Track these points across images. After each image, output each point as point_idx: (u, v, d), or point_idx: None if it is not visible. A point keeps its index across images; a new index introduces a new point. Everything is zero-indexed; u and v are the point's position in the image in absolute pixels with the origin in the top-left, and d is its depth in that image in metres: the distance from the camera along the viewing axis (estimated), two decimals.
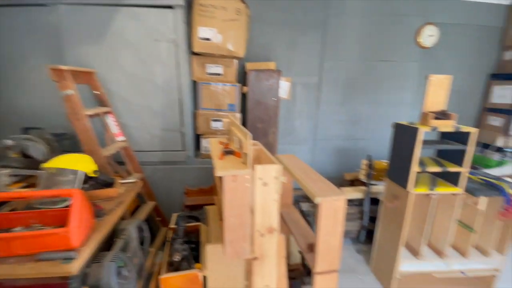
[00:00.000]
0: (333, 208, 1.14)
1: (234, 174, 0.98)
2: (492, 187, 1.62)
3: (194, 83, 2.23)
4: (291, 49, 2.67)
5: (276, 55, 2.67)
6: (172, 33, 2.01)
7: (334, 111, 2.92)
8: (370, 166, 2.23)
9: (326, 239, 1.18)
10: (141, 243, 1.41)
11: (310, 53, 2.71)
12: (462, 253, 1.77)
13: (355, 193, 2.33)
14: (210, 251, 1.21)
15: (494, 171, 2.62)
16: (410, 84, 2.85)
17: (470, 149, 1.53)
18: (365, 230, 2.28)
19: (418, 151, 1.52)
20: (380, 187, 2.16)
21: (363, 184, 2.34)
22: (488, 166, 2.87)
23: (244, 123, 2.43)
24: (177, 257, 1.26)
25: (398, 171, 1.71)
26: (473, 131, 1.50)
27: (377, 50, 2.75)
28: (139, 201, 2.05)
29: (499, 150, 2.82)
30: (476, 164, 3.07)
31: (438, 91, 1.63)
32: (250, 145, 1.01)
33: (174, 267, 1.31)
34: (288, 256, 1.90)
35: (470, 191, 1.58)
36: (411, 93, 2.87)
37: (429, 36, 2.70)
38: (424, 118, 1.61)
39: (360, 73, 2.81)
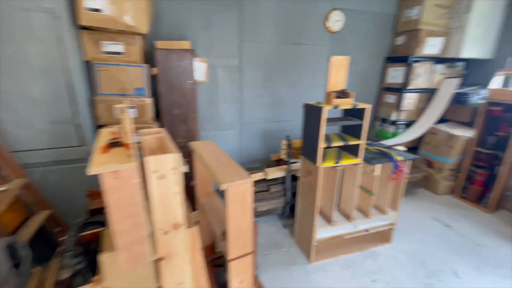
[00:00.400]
0: (240, 192, 1.11)
1: (115, 170, 0.83)
2: (384, 155, 1.87)
3: (88, 64, 1.87)
4: (208, 29, 2.50)
5: (193, 35, 2.47)
6: (47, 1, 1.60)
7: (258, 94, 2.92)
8: (289, 146, 2.33)
9: (236, 224, 1.15)
10: (18, 265, 1.13)
11: (228, 34, 2.60)
12: (365, 214, 2.03)
13: (278, 172, 2.41)
14: (107, 260, 1.04)
15: (390, 141, 3.09)
16: (323, 66, 3.05)
17: (365, 124, 1.71)
18: (288, 206, 2.40)
19: (323, 129, 1.62)
20: (298, 164, 2.28)
21: (286, 163, 2.44)
22: (386, 137, 3.37)
23: (158, 109, 2.20)
24: (65, 275, 1.05)
25: (309, 148, 1.81)
26: (367, 107, 1.67)
27: (292, 33, 2.82)
28: (27, 212, 1.67)
29: (393, 123, 3.33)
30: (378, 137, 3.56)
31: (338, 71, 1.74)
32: (131, 133, 0.86)
33: (64, 285, 1.09)
34: (214, 244, 1.86)
35: (368, 160, 1.79)
36: (323, 75, 3.08)
37: (336, 21, 2.90)
38: (328, 97, 1.71)
39: (278, 55, 2.85)
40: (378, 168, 1.86)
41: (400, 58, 3.22)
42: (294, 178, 2.34)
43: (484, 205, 2.75)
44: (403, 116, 3.32)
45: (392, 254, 2.07)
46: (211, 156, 1.39)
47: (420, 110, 3.35)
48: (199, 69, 2.49)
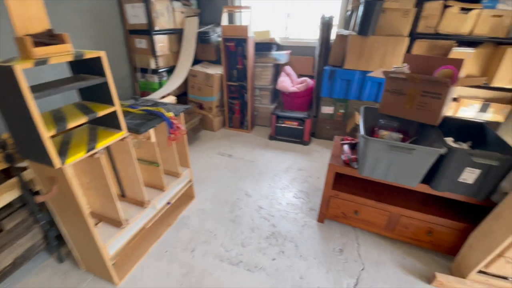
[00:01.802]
0: None
1: None
2: (154, 115, 1.51)
3: None
4: None
5: None
6: None
7: None
8: (3, 146, 1.33)
9: None
10: None
11: None
12: (160, 188, 1.71)
13: (7, 194, 1.38)
14: None
15: (157, 94, 2.77)
16: None
17: (110, 80, 1.18)
18: (53, 231, 1.55)
19: (32, 105, 0.91)
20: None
21: (9, 174, 1.43)
22: (154, 89, 3.03)
23: None
24: None
25: (27, 144, 1.04)
26: (101, 55, 1.12)
27: None
28: None
29: (155, 72, 3.00)
30: (145, 90, 3.14)
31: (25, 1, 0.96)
32: None
33: None
34: None
35: (135, 129, 1.35)
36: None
37: None
38: (22, 47, 0.94)
39: None
40: (152, 134, 1.49)
41: None
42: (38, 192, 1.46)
43: (246, 128, 3.40)
44: (162, 63, 3.05)
45: (199, 209, 2.02)
46: None
47: (176, 53, 3.22)
48: None
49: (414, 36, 2.48)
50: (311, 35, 3.42)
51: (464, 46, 2.37)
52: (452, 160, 1.29)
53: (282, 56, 3.17)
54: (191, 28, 3.14)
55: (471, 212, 1.52)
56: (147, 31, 2.83)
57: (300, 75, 3.39)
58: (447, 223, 1.51)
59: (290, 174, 2.49)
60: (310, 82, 3.16)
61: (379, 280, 1.50)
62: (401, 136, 1.66)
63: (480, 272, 1.37)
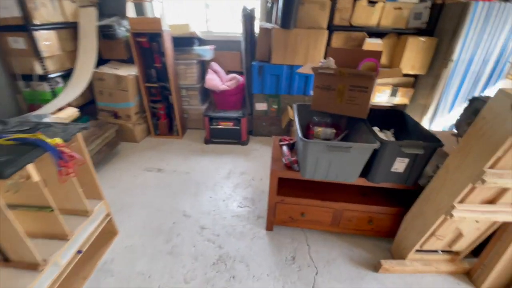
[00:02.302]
0: None
1: None
2: (30, 146, 1.08)
3: None
4: None
5: None
6: None
7: None
8: None
9: None
10: None
11: None
12: (62, 236, 1.29)
13: None
14: None
15: (49, 107, 2.18)
16: None
17: None
18: None
19: None
20: None
21: None
22: (47, 100, 2.37)
23: None
24: None
25: None
26: None
27: None
28: None
29: (45, 78, 2.34)
30: (34, 103, 2.44)
31: None
32: None
33: None
34: None
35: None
36: None
37: None
38: None
39: None
40: (33, 171, 1.07)
41: None
42: None
43: (176, 134, 3.03)
44: (52, 66, 2.40)
45: (125, 247, 1.65)
46: None
47: (72, 53, 2.59)
48: None
49: (332, 28, 2.55)
50: (235, 28, 3.24)
51: (373, 37, 2.56)
52: (384, 153, 1.31)
53: (206, 52, 2.90)
54: (89, 21, 2.56)
55: (403, 197, 1.63)
56: (23, 27, 2.16)
57: (228, 72, 3.19)
58: (384, 210, 1.57)
59: (232, 180, 2.30)
60: (240, 78, 2.99)
61: (332, 281, 1.47)
62: (334, 131, 1.65)
63: (417, 251, 1.47)
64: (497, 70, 2.45)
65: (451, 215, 1.17)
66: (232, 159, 2.63)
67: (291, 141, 1.74)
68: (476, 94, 2.61)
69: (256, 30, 2.77)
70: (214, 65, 3.01)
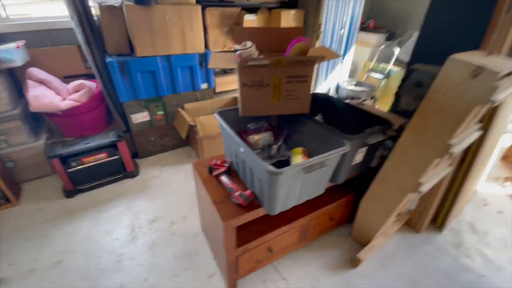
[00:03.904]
0: None
1: None
2: None
3: None
4: None
5: None
6: None
7: None
8: None
9: None
10: None
11: None
12: None
13: None
14: None
15: None
16: None
17: None
18: None
19: None
20: None
21: None
22: None
23: None
24: None
25: None
26: None
27: None
28: None
29: None
30: None
31: None
32: None
33: None
34: None
35: None
36: None
37: None
38: None
39: None
40: None
41: None
42: None
43: (4, 200, 1.75)
44: None
45: None
46: None
47: None
48: None
49: (202, 3, 2.05)
50: (55, 10, 2.09)
51: (247, 12, 2.29)
52: (350, 151, 1.11)
53: (11, 53, 1.70)
54: None
55: (351, 182, 1.55)
56: None
57: (64, 78, 2.08)
58: (340, 202, 1.46)
59: (142, 240, 1.56)
60: (91, 85, 2.01)
61: None
62: (272, 136, 1.31)
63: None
64: (351, 33, 2.81)
65: (420, 192, 1.15)
66: (127, 205, 1.81)
67: (226, 164, 1.25)
68: (340, 59, 2.95)
69: (94, 10, 1.85)
70: (36, 72, 1.85)
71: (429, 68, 1.17)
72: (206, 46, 2.20)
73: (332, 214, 1.47)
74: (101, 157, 1.88)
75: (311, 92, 1.19)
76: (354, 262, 1.44)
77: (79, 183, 1.87)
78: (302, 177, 0.98)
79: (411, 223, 1.68)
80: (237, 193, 1.08)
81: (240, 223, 1.05)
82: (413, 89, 1.24)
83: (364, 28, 3.27)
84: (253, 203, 1.07)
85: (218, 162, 1.27)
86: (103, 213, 1.74)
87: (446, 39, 1.27)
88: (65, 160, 1.76)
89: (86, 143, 1.83)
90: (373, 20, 3.33)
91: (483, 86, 0.87)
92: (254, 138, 1.27)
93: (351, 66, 3.23)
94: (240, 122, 1.27)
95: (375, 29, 3.28)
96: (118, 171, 2.00)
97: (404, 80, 1.30)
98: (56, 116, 1.90)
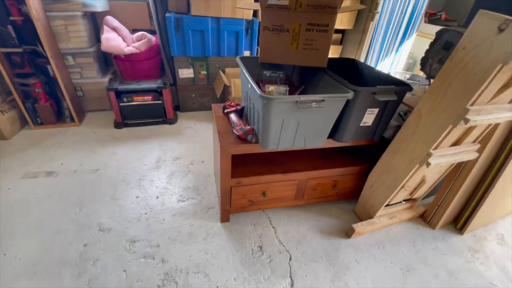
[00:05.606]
0: None
1: None
2: None
3: None
4: None
5: None
6: None
7: None
8: None
9: None
10: None
11: None
12: None
13: None
14: None
15: None
16: None
17: None
18: None
19: None
20: None
21: None
22: None
23: None
24: None
25: None
26: None
27: None
28: None
29: None
30: None
31: None
32: None
33: None
34: None
35: None
36: None
37: None
38: None
39: None
40: None
41: None
42: None
43: (69, 119, 2.19)
44: None
45: None
46: None
47: None
48: None
49: None
50: None
51: None
52: (356, 104, 1.09)
53: (94, 0, 2.08)
54: None
55: (363, 154, 1.51)
56: None
57: (133, 31, 2.44)
58: (349, 170, 1.43)
59: (164, 170, 1.79)
60: (151, 38, 2.32)
61: (309, 262, 1.26)
62: (287, 88, 1.35)
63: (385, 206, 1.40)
64: (412, 22, 2.59)
65: (428, 164, 1.07)
66: (160, 143, 2.07)
67: (239, 107, 1.35)
68: (395, 48, 2.75)
69: None
70: (111, 20, 2.23)
71: (462, 29, 1.05)
72: (255, 14, 2.30)
73: (337, 181, 1.45)
74: (148, 99, 2.18)
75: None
76: (348, 233, 1.41)
77: (127, 117, 2.21)
78: (297, 116, 1.02)
79: (426, 217, 1.54)
80: (238, 127, 1.18)
81: (236, 152, 1.15)
82: (440, 52, 1.13)
83: (433, 19, 2.95)
84: (249, 138, 1.16)
85: (233, 104, 1.38)
86: (140, 145, 2.03)
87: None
88: (119, 94, 2.09)
89: (138, 84, 2.15)
90: (445, 12, 2.98)
91: (508, 42, 0.78)
92: (269, 88, 1.33)
93: (409, 60, 2.97)
94: (261, 74, 1.35)
95: (446, 21, 2.94)
96: (159, 115, 2.29)
97: (433, 43, 1.19)
98: (120, 60, 2.26)
